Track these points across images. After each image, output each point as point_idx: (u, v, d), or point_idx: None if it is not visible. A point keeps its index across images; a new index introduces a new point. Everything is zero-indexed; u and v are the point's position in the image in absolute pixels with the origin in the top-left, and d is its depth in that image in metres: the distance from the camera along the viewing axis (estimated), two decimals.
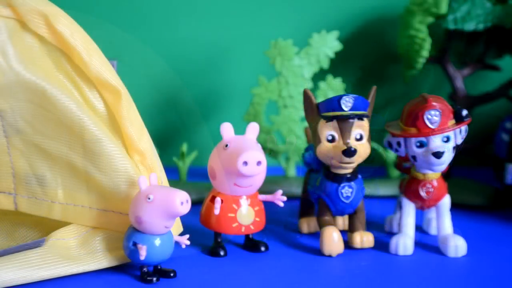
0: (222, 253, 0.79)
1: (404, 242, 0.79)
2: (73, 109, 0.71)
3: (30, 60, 0.70)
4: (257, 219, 0.79)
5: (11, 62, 0.70)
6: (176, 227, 0.78)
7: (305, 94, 0.78)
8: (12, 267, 0.68)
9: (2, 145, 0.75)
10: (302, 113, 1.01)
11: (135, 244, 0.70)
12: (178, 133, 1.18)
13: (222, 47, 1.15)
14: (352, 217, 0.81)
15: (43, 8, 0.70)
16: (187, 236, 0.75)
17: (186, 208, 0.69)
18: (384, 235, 0.85)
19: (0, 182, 0.77)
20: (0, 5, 0.69)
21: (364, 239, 0.80)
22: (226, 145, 0.77)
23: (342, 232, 0.83)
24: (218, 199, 0.78)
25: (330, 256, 0.78)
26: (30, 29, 0.71)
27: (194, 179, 1.08)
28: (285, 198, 0.80)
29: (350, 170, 0.78)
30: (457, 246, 0.79)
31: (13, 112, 0.72)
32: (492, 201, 0.96)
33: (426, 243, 0.83)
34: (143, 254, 0.69)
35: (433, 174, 0.79)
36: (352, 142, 0.76)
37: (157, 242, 0.70)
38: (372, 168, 0.90)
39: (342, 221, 0.86)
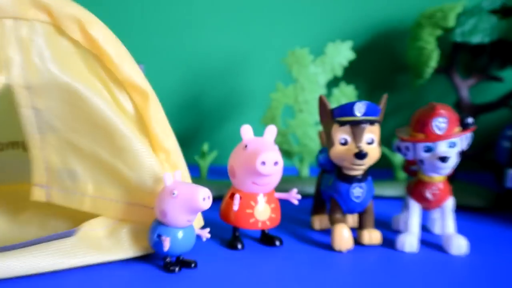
0: (239, 246, 0.79)
1: (410, 240, 0.79)
2: (103, 109, 0.72)
3: (64, 63, 0.71)
4: (273, 215, 0.79)
5: (47, 64, 0.70)
6: (198, 221, 0.79)
7: (321, 100, 0.78)
8: (46, 255, 0.69)
9: (37, 141, 0.75)
10: (316, 118, 1.02)
11: (159, 236, 0.70)
12: (200, 133, 1.18)
13: (243, 55, 1.16)
14: (361, 215, 0.81)
15: (77, 14, 0.71)
16: (208, 229, 0.75)
17: (207, 203, 0.69)
18: (391, 233, 0.85)
19: (35, 176, 0.77)
20: (38, 11, 0.70)
21: (372, 236, 0.80)
22: (246, 146, 0.77)
23: (352, 229, 0.83)
24: (237, 196, 0.78)
25: (340, 251, 0.78)
26: (65, 33, 0.71)
27: (214, 177, 1.08)
28: (299, 197, 0.80)
29: (361, 172, 0.78)
30: (459, 245, 0.79)
31: (48, 111, 0.73)
32: (493, 203, 0.96)
33: (431, 241, 0.83)
34: (166, 245, 0.70)
35: (439, 177, 0.79)
36: (364, 146, 0.76)
37: (180, 234, 0.71)
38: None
39: (352, 219, 0.86)
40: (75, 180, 0.76)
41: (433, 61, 1.01)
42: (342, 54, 1.04)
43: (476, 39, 0.99)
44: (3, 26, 0.68)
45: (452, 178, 0.89)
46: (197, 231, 0.74)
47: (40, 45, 0.70)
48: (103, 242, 0.73)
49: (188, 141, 1.16)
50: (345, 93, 1.05)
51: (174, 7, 1.14)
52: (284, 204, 0.86)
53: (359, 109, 0.76)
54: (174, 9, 1.14)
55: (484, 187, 1.00)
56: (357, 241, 0.81)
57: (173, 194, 0.69)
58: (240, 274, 0.71)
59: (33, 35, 0.70)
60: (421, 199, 0.80)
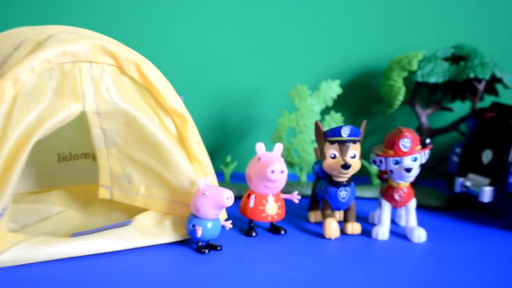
0: (254, 234, 0.78)
1: (382, 231, 0.79)
2: (154, 130, 0.72)
3: (125, 95, 0.71)
4: (279, 211, 0.79)
5: (112, 96, 0.70)
6: (223, 214, 0.78)
7: (316, 125, 0.78)
8: (110, 239, 0.69)
9: (103, 153, 0.75)
10: (312, 137, 1.01)
11: (194, 225, 0.70)
12: (224, 148, 1.17)
13: (257, 89, 1.15)
14: (346, 211, 0.80)
15: (135, 58, 0.71)
16: (230, 221, 0.75)
17: (230, 201, 0.69)
18: (368, 225, 0.85)
19: (102, 179, 0.77)
20: (107, 57, 0.70)
21: (354, 227, 0.80)
22: (259, 158, 0.77)
23: (339, 222, 0.82)
24: (252, 196, 0.78)
25: (329, 239, 0.78)
26: (126, 73, 0.71)
27: (235, 181, 1.07)
28: (299, 197, 0.80)
29: (346, 179, 0.78)
30: (419, 235, 0.78)
31: (112, 131, 0.73)
32: (445, 204, 0.95)
33: (398, 232, 0.82)
34: (199, 233, 0.70)
35: (404, 183, 0.78)
36: (348, 159, 0.76)
37: (209, 225, 0.70)
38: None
39: (339, 214, 0.85)
40: (131, 183, 0.76)
41: (401, 96, 1.00)
42: (332, 89, 1.03)
43: (432, 79, 0.99)
44: (81, 68, 0.68)
45: (414, 184, 0.88)
46: (222, 222, 0.74)
47: (107, 82, 0.70)
48: (151, 230, 0.73)
49: (216, 154, 1.16)
50: (334, 119, 1.04)
51: (206, 54, 1.14)
52: (288, 203, 0.85)
53: (345, 132, 0.75)
54: (207, 55, 1.14)
55: (439, 191, 0.99)
56: (343, 231, 0.80)
57: (205, 194, 0.69)
58: (254, 255, 0.71)
59: (102, 74, 0.70)
60: (391, 199, 0.79)
